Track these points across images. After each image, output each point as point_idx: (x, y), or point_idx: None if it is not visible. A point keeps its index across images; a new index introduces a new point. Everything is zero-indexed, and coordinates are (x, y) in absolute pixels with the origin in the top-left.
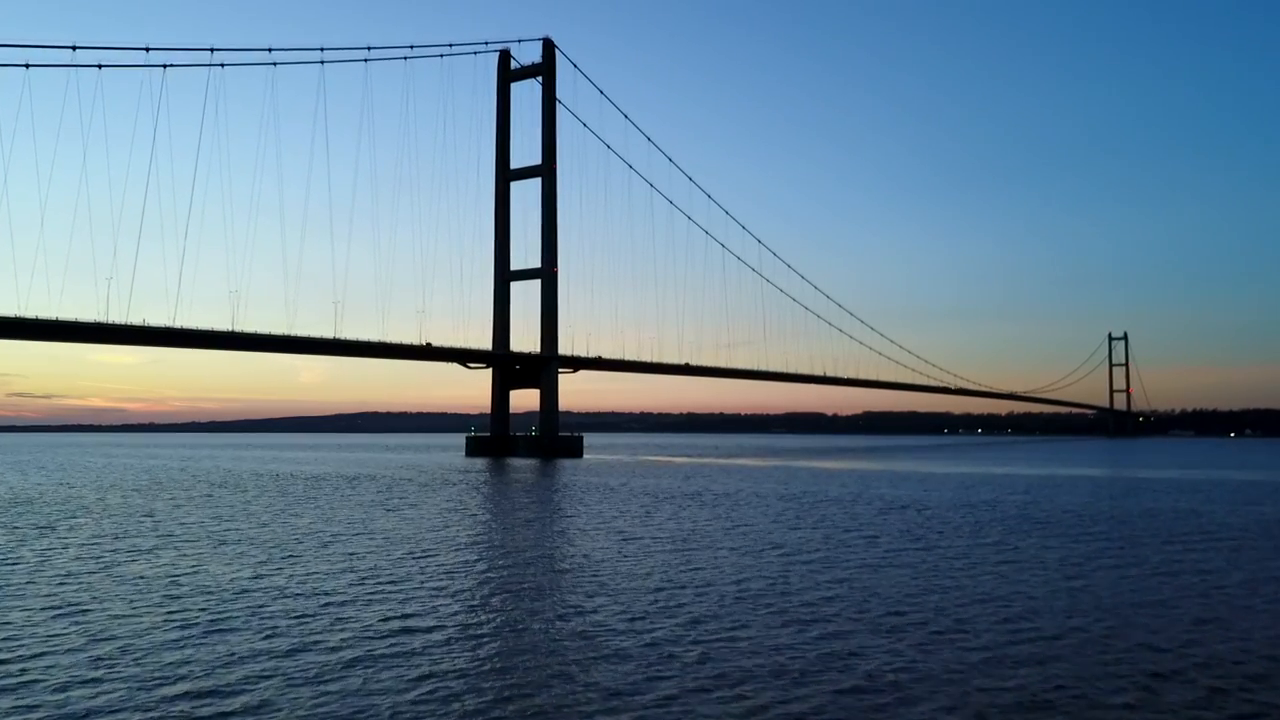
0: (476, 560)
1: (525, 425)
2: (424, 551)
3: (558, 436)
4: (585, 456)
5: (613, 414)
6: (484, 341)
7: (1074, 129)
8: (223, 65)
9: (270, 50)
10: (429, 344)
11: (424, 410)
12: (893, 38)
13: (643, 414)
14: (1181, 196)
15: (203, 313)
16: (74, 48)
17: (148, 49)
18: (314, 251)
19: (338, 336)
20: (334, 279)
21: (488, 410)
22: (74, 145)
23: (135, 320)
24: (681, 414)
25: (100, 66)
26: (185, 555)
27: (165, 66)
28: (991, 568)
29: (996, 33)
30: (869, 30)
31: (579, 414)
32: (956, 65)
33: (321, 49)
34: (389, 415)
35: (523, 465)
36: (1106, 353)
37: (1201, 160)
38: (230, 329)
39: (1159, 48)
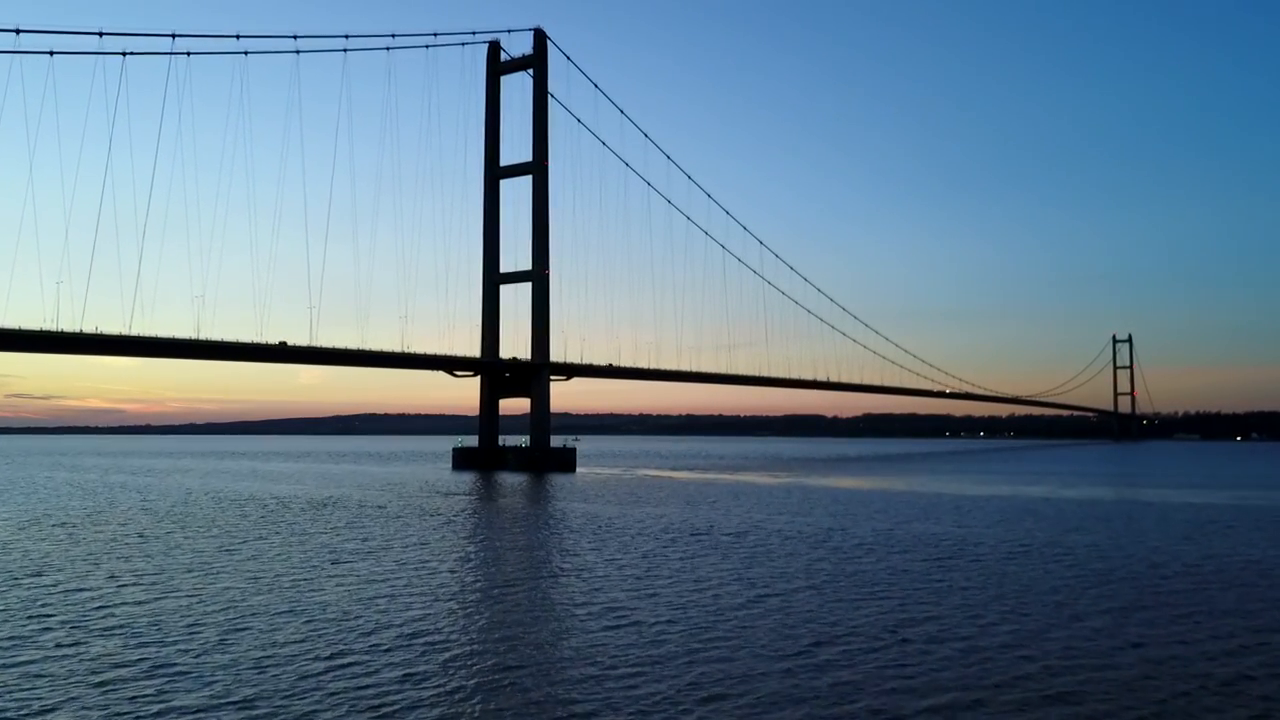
0: (424, 654)
1: (519, 428)
2: (351, 639)
3: (549, 449)
4: (578, 470)
5: (611, 416)
6: (472, 348)
7: (1076, 130)
8: (188, 54)
9: (239, 38)
10: (412, 351)
11: (423, 412)
12: (894, 38)
13: (641, 416)
14: (1183, 197)
15: (164, 316)
16: (17, 31)
17: (100, 34)
18: (288, 253)
19: (313, 344)
20: (309, 282)
21: None
22: (18, 140)
23: (88, 327)
24: (680, 415)
25: (51, 53)
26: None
27: (124, 54)
28: (1128, 680)
29: (998, 34)
30: (870, 30)
31: (577, 415)
32: (958, 66)
33: (295, 36)
34: (387, 417)
35: (510, 484)
36: (1110, 355)
37: (1203, 161)
38: (193, 336)
39: (1160, 49)
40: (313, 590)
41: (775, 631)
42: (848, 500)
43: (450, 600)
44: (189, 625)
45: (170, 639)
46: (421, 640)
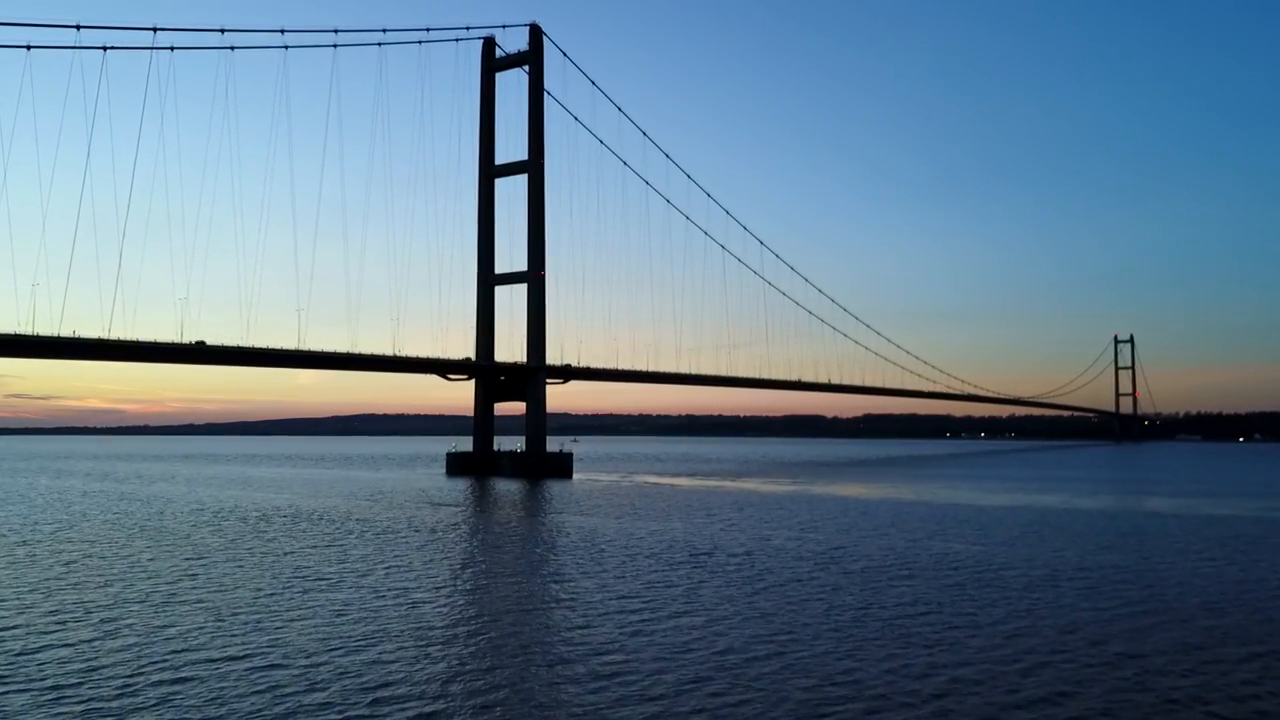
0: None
1: (516, 427)
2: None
3: (545, 454)
4: (575, 476)
5: (610, 416)
6: (465, 350)
7: (1077, 131)
8: (171, 49)
9: (223, 32)
10: (404, 355)
11: (422, 412)
12: (894, 37)
13: (641, 416)
14: (1184, 197)
15: (148, 319)
16: None
17: (79, 27)
18: (276, 253)
19: (301, 348)
20: (298, 283)
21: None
22: None
23: (66, 330)
24: (680, 415)
25: (29, 47)
26: None
27: (104, 48)
28: None
29: (998, 34)
30: (871, 31)
31: (576, 415)
32: (959, 66)
33: (283, 31)
34: (386, 417)
35: (504, 493)
36: (1112, 356)
37: (1204, 161)
38: (176, 340)
39: (1161, 50)
40: (274, 630)
41: (785, 687)
42: (856, 512)
43: (425, 642)
44: (127, 678)
45: (101, 696)
46: (388, 691)
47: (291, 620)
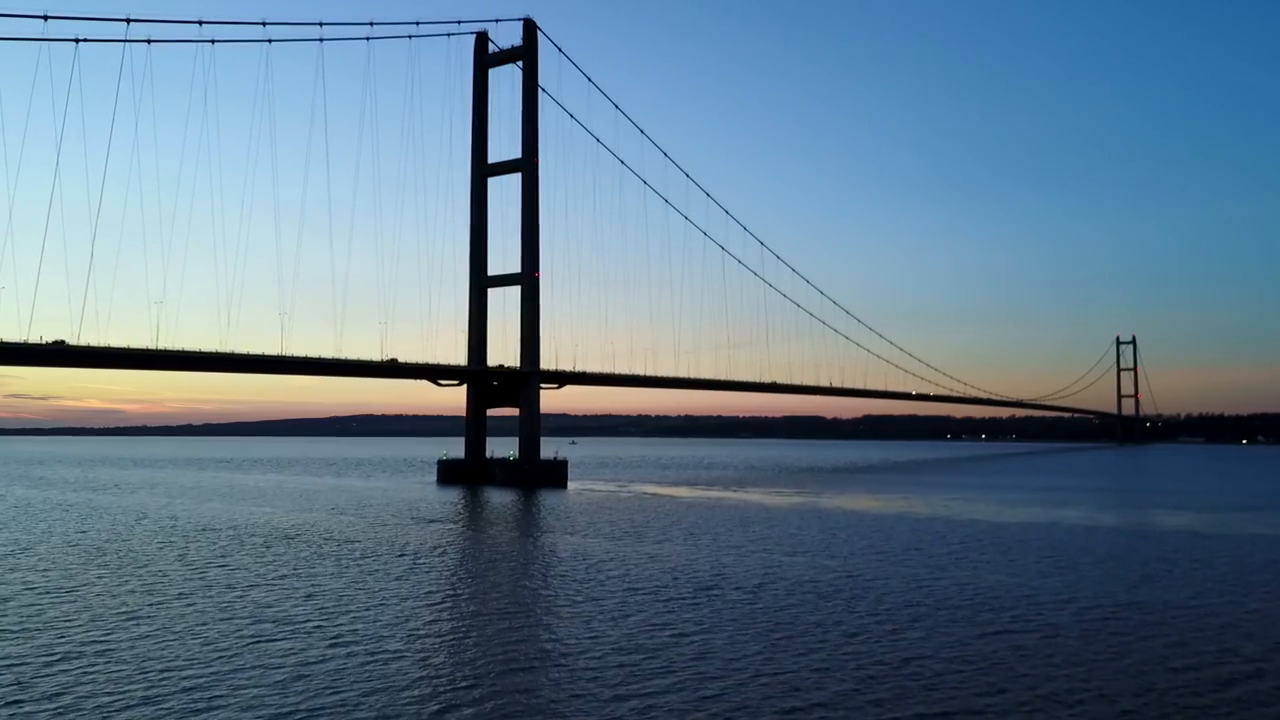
0: None
1: (512, 429)
2: None
3: (539, 463)
4: (570, 485)
5: (609, 416)
6: (457, 355)
7: (1080, 131)
8: (148, 41)
9: (200, 24)
10: (393, 360)
11: (420, 412)
12: (897, 36)
13: (640, 416)
14: (1187, 197)
15: (122, 321)
16: None
17: (45, 17)
18: (258, 254)
19: (284, 353)
20: (280, 285)
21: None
22: None
23: (34, 336)
24: (680, 416)
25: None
26: None
27: (76, 41)
28: None
29: (1001, 33)
30: (872, 30)
31: (574, 416)
32: (962, 65)
33: (265, 23)
34: (384, 418)
35: (496, 506)
36: (1114, 357)
37: (1207, 160)
38: (150, 346)
39: (1165, 49)
40: (227, 680)
41: None
42: (871, 531)
43: (392, 701)
44: None
45: None
46: None
47: (250, 665)
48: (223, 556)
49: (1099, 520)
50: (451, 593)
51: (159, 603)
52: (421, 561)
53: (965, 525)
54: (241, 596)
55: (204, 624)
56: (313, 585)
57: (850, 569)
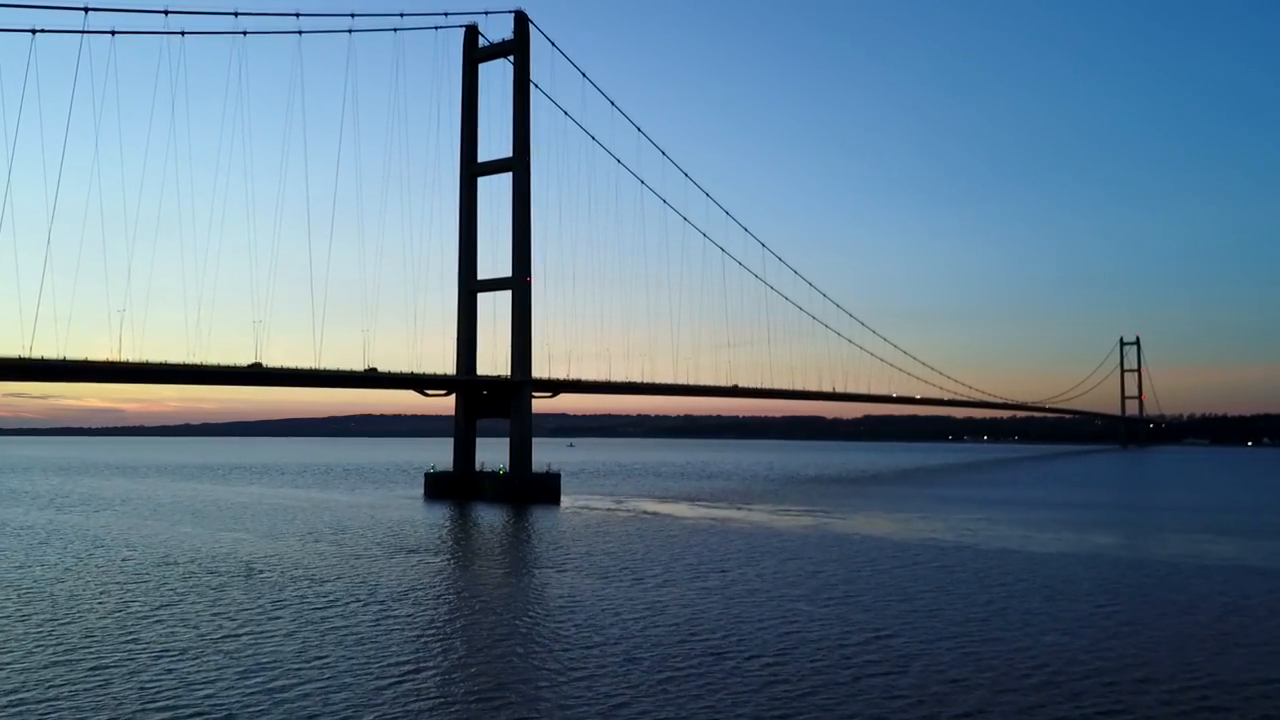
0: None
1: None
2: None
3: (530, 476)
4: (563, 502)
5: (608, 417)
6: (444, 363)
7: (1081, 130)
8: (112, 33)
9: (166, 14)
10: (373, 370)
11: (419, 412)
12: (897, 34)
13: (639, 417)
14: (1189, 196)
15: (83, 329)
16: None
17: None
18: (231, 258)
19: (258, 364)
20: (253, 291)
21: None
22: None
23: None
24: (679, 416)
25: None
26: None
27: (33, 31)
28: None
29: (1001, 33)
30: (872, 26)
31: (573, 416)
32: (962, 65)
33: (236, 14)
34: (383, 418)
35: (484, 529)
36: (1118, 358)
37: (1209, 160)
38: (112, 358)
39: (1166, 49)
40: None
41: None
42: (895, 567)
43: None
44: None
45: None
46: None
47: None
48: (167, 606)
49: (1140, 549)
50: (418, 654)
51: (94, 656)
52: (390, 614)
53: (998, 558)
54: (172, 665)
55: (112, 702)
56: (259, 643)
57: (881, 625)
